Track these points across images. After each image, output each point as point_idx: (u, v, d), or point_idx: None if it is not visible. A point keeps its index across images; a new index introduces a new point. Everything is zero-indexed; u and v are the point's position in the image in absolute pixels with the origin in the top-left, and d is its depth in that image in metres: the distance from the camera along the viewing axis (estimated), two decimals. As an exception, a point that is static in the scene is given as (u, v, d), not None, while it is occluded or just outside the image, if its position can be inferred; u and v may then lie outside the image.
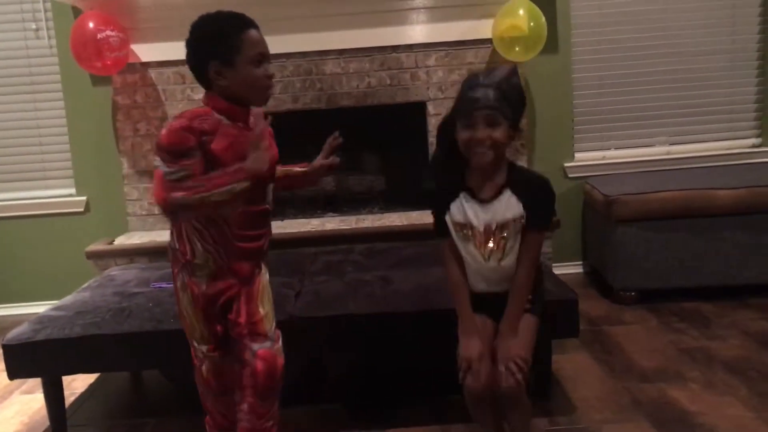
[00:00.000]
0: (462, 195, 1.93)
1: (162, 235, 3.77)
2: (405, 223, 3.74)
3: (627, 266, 3.52)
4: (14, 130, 4.07)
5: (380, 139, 4.14)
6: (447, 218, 1.96)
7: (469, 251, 1.95)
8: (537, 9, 3.60)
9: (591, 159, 4.09)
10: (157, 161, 1.78)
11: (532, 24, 3.58)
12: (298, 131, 4.05)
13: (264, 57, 1.87)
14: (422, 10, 3.82)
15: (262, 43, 1.86)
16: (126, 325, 2.47)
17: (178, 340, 2.41)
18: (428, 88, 3.90)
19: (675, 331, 3.18)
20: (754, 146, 4.10)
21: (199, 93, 3.90)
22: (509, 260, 1.93)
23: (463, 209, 1.92)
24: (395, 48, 3.86)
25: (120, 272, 3.10)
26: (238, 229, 1.93)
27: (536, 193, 1.92)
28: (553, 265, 3.39)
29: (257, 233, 1.99)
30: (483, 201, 1.91)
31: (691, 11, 4.01)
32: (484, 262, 1.93)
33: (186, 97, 3.86)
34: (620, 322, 3.32)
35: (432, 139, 3.91)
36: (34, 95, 4.04)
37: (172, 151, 1.76)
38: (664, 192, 3.49)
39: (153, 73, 3.84)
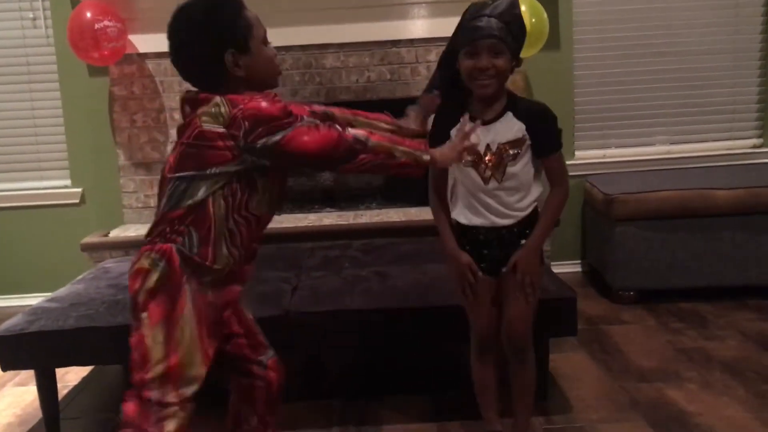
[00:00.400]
0: (462, 119, 1.91)
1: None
2: (403, 219, 3.71)
3: (626, 266, 3.50)
4: (10, 120, 4.03)
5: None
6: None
7: (468, 177, 1.94)
8: (539, 5, 3.58)
9: (591, 157, 4.07)
10: (278, 135, 1.57)
11: (533, 20, 3.55)
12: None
13: (266, 35, 1.74)
14: (423, 4, 3.79)
15: (260, 21, 1.73)
16: (120, 317, 2.44)
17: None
18: (428, 84, 3.87)
19: (673, 332, 3.17)
20: (755, 147, 4.08)
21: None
22: (510, 183, 1.92)
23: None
24: (395, 43, 3.83)
25: (115, 264, 3.08)
26: (262, 229, 1.78)
27: (538, 117, 1.93)
28: (552, 263, 3.36)
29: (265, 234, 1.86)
30: (484, 123, 1.90)
31: (693, 10, 3.99)
32: (484, 186, 1.92)
33: (184, 89, 3.80)
34: (618, 321, 3.31)
35: (431, 135, 3.89)
36: (31, 85, 4.00)
37: (288, 113, 1.60)
38: (664, 191, 3.47)
39: (150, 64, 3.81)
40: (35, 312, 2.52)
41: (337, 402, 2.63)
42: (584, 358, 2.92)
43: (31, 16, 3.94)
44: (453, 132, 1.92)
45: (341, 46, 3.82)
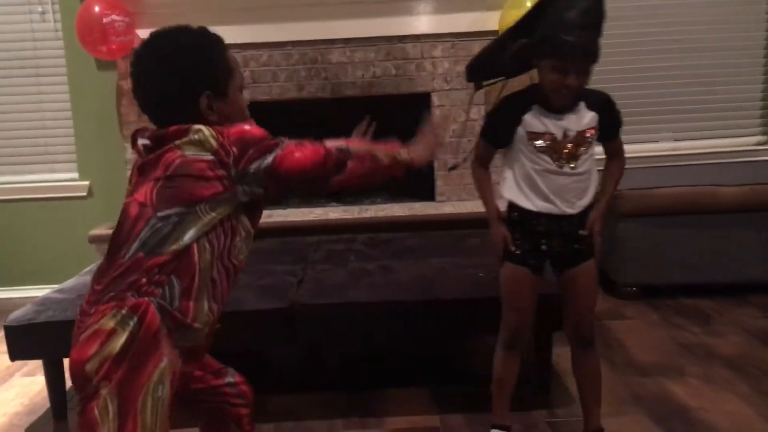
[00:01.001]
0: (535, 107, 1.95)
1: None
2: (408, 213, 3.73)
3: (629, 261, 3.52)
4: (18, 113, 4.07)
5: (384, 130, 4.11)
6: (520, 129, 1.97)
7: (540, 161, 1.96)
8: (544, 1, 3.58)
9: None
10: (268, 157, 1.44)
11: (539, 16, 3.56)
12: (301, 120, 4.05)
13: (243, 82, 1.61)
14: (429, 0, 3.80)
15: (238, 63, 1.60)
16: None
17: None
18: (433, 79, 3.88)
19: (675, 327, 3.18)
20: (759, 143, 4.09)
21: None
22: (581, 168, 1.97)
23: (540, 119, 1.95)
24: (401, 38, 3.85)
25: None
26: (235, 283, 1.58)
27: (608, 105, 2.03)
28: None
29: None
30: (559, 112, 1.95)
31: (699, 6, 3.99)
32: (558, 169, 1.96)
33: (191, 84, 3.84)
34: (621, 316, 3.32)
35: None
36: (39, 78, 4.03)
37: (270, 135, 1.49)
38: (668, 188, 3.48)
39: (158, 59, 3.82)
40: (43, 303, 2.54)
41: (340, 394, 2.66)
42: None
43: (40, 10, 3.97)
44: (527, 117, 1.95)
45: (347, 41, 3.83)
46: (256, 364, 2.98)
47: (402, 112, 4.03)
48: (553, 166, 1.96)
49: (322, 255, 2.97)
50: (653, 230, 3.47)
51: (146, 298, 1.40)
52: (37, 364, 2.86)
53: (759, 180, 3.47)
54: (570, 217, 1.99)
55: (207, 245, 1.45)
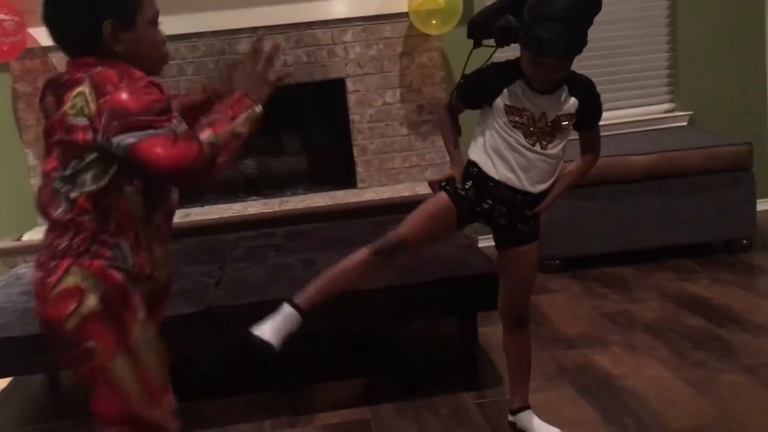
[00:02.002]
0: (518, 82, 1.92)
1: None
2: (329, 203, 3.68)
3: (549, 235, 3.54)
4: None
5: (300, 119, 4.05)
6: (499, 99, 1.94)
7: (514, 137, 1.94)
8: (452, -19, 3.57)
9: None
10: (133, 136, 1.37)
11: (447, -4, 3.55)
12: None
13: (157, 17, 1.56)
14: (336, -16, 3.74)
15: (156, 2, 1.56)
16: (34, 325, 2.31)
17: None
18: (346, 65, 3.82)
19: (597, 297, 3.25)
20: (667, 111, 4.20)
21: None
22: (553, 150, 1.96)
23: (520, 95, 1.92)
24: (311, 24, 3.77)
25: (29, 270, 2.93)
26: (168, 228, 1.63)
27: (590, 92, 2.02)
28: (480, 238, 3.39)
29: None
30: (541, 92, 1.92)
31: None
32: (529, 146, 1.94)
33: (92, 82, 3.67)
34: (545, 290, 3.37)
35: (353, 116, 3.86)
36: (-74, 86, 3.77)
37: (152, 111, 1.39)
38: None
39: (55, 58, 3.63)
40: (-59, 326, 2.39)
41: (268, 395, 2.60)
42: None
43: None
44: (508, 90, 1.92)
45: (255, 30, 3.72)
46: (179, 370, 2.90)
47: (317, 100, 4.00)
48: (524, 141, 1.94)
49: (241, 252, 2.89)
50: (570, 203, 3.50)
51: (100, 261, 1.46)
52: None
53: (668, 147, 3.57)
54: (526, 194, 1.98)
55: (136, 193, 1.48)
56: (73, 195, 1.45)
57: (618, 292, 3.28)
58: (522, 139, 1.94)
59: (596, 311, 3.09)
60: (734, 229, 3.59)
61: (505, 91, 1.94)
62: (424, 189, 3.76)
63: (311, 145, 4.14)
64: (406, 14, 3.73)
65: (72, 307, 1.44)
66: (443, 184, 2.04)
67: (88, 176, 1.45)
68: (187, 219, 3.57)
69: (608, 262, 3.57)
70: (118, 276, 1.48)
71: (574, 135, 2.06)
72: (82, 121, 1.41)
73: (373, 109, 3.87)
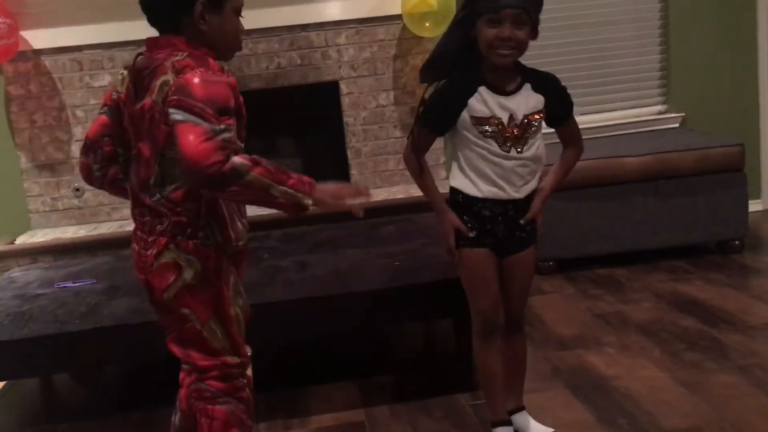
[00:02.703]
0: (482, 89, 1.88)
1: (67, 231, 3.60)
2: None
3: (542, 236, 3.55)
4: None
5: (294, 121, 4.05)
6: (464, 113, 1.89)
7: (486, 147, 1.89)
8: (445, -17, 3.58)
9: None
10: (182, 114, 1.44)
11: (440, -2, 3.55)
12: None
13: (241, 9, 1.67)
14: (329, -14, 3.74)
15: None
16: (27, 329, 2.34)
17: (83, 342, 2.31)
18: (340, 67, 3.83)
19: (591, 298, 3.26)
20: (659, 113, 4.22)
21: (99, 81, 3.74)
22: (529, 152, 1.91)
23: (486, 102, 1.88)
24: (304, 27, 3.77)
25: (22, 273, 2.94)
26: None
27: (553, 86, 1.98)
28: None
29: None
30: (506, 93, 1.89)
31: (594, -19, 4.07)
32: (504, 153, 1.89)
33: (85, 85, 3.66)
34: (539, 292, 3.37)
35: (347, 119, 3.86)
36: None
37: (212, 105, 1.45)
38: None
39: (47, 61, 3.62)
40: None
41: (262, 396, 2.57)
42: (507, 331, 2.97)
43: None
44: (472, 102, 1.87)
45: (248, 32, 3.66)
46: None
47: (310, 103, 4.00)
48: (499, 150, 1.89)
49: (235, 255, 2.88)
50: (564, 204, 3.52)
51: (194, 241, 1.60)
52: (-65, 395, 2.70)
53: (660, 149, 3.58)
54: (515, 201, 1.94)
55: None
56: (165, 191, 1.60)
57: (611, 293, 3.29)
58: (496, 148, 1.89)
59: (590, 312, 3.09)
60: (726, 230, 3.60)
61: (469, 102, 1.88)
62: (417, 191, 3.76)
63: (305, 147, 4.14)
64: (399, 16, 3.74)
65: (171, 279, 1.62)
66: (456, 243, 1.99)
67: (177, 171, 1.55)
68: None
69: (602, 264, 3.59)
70: (211, 251, 1.62)
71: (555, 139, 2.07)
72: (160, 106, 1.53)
73: (367, 111, 3.88)
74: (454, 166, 1.99)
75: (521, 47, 1.85)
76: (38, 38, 3.58)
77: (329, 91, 3.86)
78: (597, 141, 3.93)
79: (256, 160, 1.47)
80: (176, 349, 1.71)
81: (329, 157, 4.00)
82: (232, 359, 1.70)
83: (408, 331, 3.10)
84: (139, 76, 1.59)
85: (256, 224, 3.41)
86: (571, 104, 2.02)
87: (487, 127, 1.88)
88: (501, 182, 1.91)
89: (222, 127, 1.44)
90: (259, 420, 2.43)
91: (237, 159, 1.43)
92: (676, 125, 4.17)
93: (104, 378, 2.97)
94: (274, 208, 1.54)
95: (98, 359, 2.47)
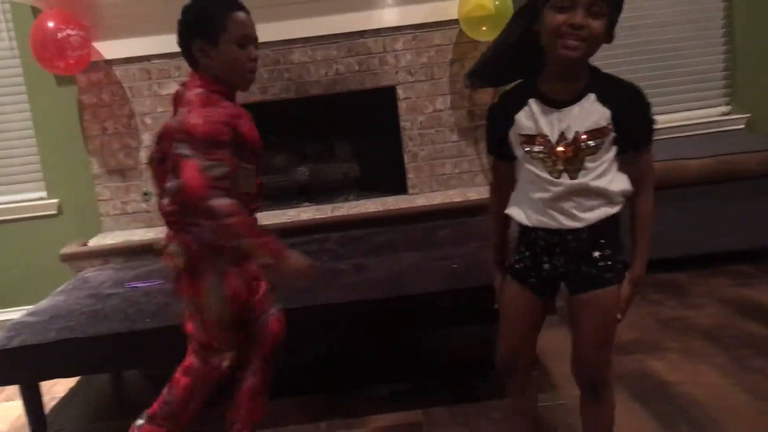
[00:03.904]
0: (531, 102, 1.59)
1: (135, 234, 3.74)
2: (381, 209, 3.72)
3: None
4: (-20, 135, 4.00)
5: (351, 126, 4.11)
6: (511, 133, 1.63)
7: (534, 171, 1.60)
8: (503, -15, 3.58)
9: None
10: (184, 149, 1.71)
11: (497, 2, 3.56)
12: (268, 122, 4.02)
13: (249, 39, 1.85)
14: (387, -7, 3.79)
15: (249, 26, 1.86)
16: (101, 327, 2.44)
17: (153, 339, 2.41)
18: (397, 72, 3.87)
19: (653, 303, 3.20)
20: (723, 114, 4.12)
21: (166, 89, 3.88)
22: (585, 178, 1.56)
23: (534, 117, 1.59)
24: (362, 33, 3.83)
25: (95, 274, 3.07)
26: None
27: (630, 101, 1.58)
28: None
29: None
30: (559, 105, 1.57)
31: (655, -18, 4.01)
32: (554, 180, 1.57)
33: (153, 93, 3.81)
34: (599, 296, 3.33)
35: (404, 123, 3.90)
36: (-2, 99, 3.97)
37: (207, 142, 1.72)
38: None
39: (118, 71, 3.78)
40: (15, 327, 2.51)
41: (320, 396, 2.65)
42: (567, 334, 2.93)
43: (-6, 29, 3.91)
44: (519, 117, 1.61)
45: (307, 40, 3.81)
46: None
47: (368, 108, 4.05)
48: (547, 175, 1.58)
49: (296, 257, 2.95)
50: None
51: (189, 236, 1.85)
52: (17, 388, 2.84)
53: (724, 151, 3.50)
54: (576, 231, 1.60)
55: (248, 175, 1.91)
56: (171, 191, 1.84)
57: (673, 297, 3.23)
58: (543, 172, 1.58)
59: (652, 317, 3.05)
60: (794, 233, 3.50)
61: (516, 118, 1.61)
62: (474, 194, 3.80)
63: (363, 151, 4.20)
64: (456, 21, 3.76)
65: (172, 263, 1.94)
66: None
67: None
68: (243, 225, 3.66)
69: (663, 268, 3.51)
70: (197, 246, 1.87)
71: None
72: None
73: (424, 115, 3.91)
74: (515, 190, 1.72)
75: (593, 42, 1.53)
76: (109, 49, 3.74)
77: (386, 96, 3.91)
78: (659, 143, 3.85)
79: (238, 207, 1.72)
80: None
81: (386, 161, 4.05)
82: (208, 341, 1.94)
83: (465, 333, 3.11)
84: (175, 104, 1.88)
85: (316, 227, 3.51)
86: (650, 130, 1.62)
87: (534, 147, 1.59)
88: (550, 211, 1.60)
89: (213, 163, 1.71)
90: (319, 419, 2.49)
91: (219, 202, 1.70)
92: (742, 126, 4.07)
93: (171, 375, 3.07)
94: (202, 239, 1.83)
95: (166, 356, 2.55)
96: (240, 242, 1.76)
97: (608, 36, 1.56)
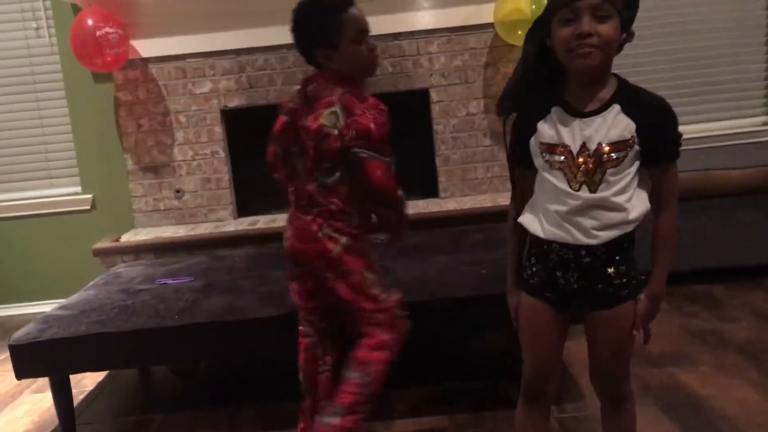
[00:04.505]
0: (554, 110, 1.55)
1: (167, 231, 3.78)
2: (411, 212, 3.68)
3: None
4: (18, 130, 4.08)
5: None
6: (532, 141, 1.59)
7: (553, 181, 1.55)
8: (539, -11, 3.55)
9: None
10: (367, 154, 1.91)
11: (533, 7, 3.53)
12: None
13: (363, 33, 1.97)
14: (423, -4, 3.78)
15: (360, 20, 1.97)
16: (130, 322, 2.46)
17: (182, 335, 2.42)
18: (431, 75, 3.86)
19: (686, 315, 3.14)
20: (764, 124, 4.03)
21: (201, 88, 3.91)
22: (606, 192, 1.51)
23: (555, 126, 1.55)
24: (397, 35, 3.82)
25: (126, 269, 3.11)
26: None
27: (656, 114, 1.53)
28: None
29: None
30: (583, 115, 1.53)
31: (697, -12, 3.94)
32: (573, 193, 1.52)
33: (187, 92, 3.84)
34: (630, 306, 3.28)
35: (437, 126, 3.88)
36: (37, 94, 4.04)
37: (381, 142, 1.92)
38: (672, 173, 3.43)
39: (154, 69, 3.83)
40: (47, 320, 2.54)
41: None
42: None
43: (34, 25, 3.98)
44: (541, 125, 1.57)
45: (342, 41, 3.80)
46: (262, 370, 2.99)
47: (401, 110, 4.04)
48: (566, 187, 1.53)
49: (324, 258, 2.95)
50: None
51: (341, 223, 2.02)
52: (46, 380, 2.87)
53: (763, 161, 3.42)
54: (591, 248, 1.55)
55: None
56: (328, 183, 2.00)
57: (708, 310, 3.16)
58: (562, 184, 1.53)
59: (684, 329, 2.98)
60: (835, 247, 3.40)
61: (538, 126, 1.57)
62: (505, 200, 3.73)
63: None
64: (491, 25, 3.73)
65: (332, 245, 2.01)
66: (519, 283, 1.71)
67: (336, 172, 1.98)
68: (273, 225, 3.68)
69: (698, 279, 3.45)
70: (354, 230, 2.04)
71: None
72: (334, 132, 1.92)
73: (457, 119, 3.89)
74: (531, 198, 1.67)
75: (606, 45, 1.47)
76: (146, 47, 3.79)
77: (419, 99, 3.90)
78: (696, 152, 3.79)
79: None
80: (347, 295, 2.05)
81: (418, 164, 4.03)
82: (386, 301, 2.07)
83: (492, 339, 3.08)
84: (308, 101, 2.00)
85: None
86: (675, 145, 1.57)
87: (555, 156, 1.54)
88: (566, 225, 1.55)
89: (388, 160, 1.95)
90: (343, 420, 2.48)
91: (400, 192, 2.02)
92: (782, 137, 3.98)
93: (198, 372, 3.09)
94: (388, 223, 2.12)
95: (194, 353, 2.58)
96: (401, 217, 2.10)
97: (627, 34, 1.53)
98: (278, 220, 3.77)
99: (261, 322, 2.42)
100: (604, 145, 1.50)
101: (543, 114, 1.57)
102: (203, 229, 3.77)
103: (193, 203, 3.94)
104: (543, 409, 1.74)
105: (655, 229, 1.63)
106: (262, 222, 3.80)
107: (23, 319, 3.52)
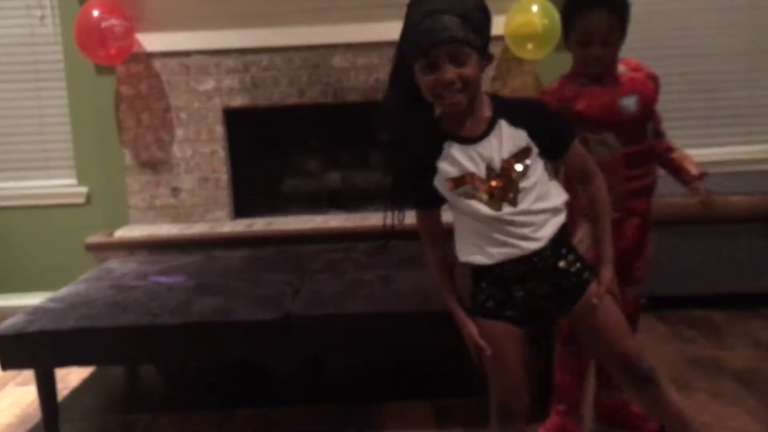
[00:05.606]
0: (446, 145, 1.58)
1: (161, 229, 3.73)
2: (411, 221, 3.65)
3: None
4: (17, 118, 4.02)
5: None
6: (436, 182, 1.61)
7: (473, 210, 1.58)
8: (551, 5, 3.52)
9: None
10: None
11: (545, 21, 3.50)
12: (304, 125, 4.00)
13: (590, 37, 2.09)
14: (432, 4, 3.74)
15: (591, 24, 2.07)
16: (120, 318, 2.42)
17: (172, 335, 2.38)
18: (437, 85, 3.82)
19: (684, 340, 3.10)
20: (772, 151, 4.00)
21: (204, 85, 3.86)
22: (527, 202, 1.57)
23: (455, 159, 1.58)
24: (403, 44, 3.78)
25: (118, 265, 3.06)
26: None
27: (533, 113, 1.62)
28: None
29: None
30: (475, 141, 1.57)
31: (708, 12, 3.91)
32: (496, 214, 1.56)
33: (190, 89, 3.80)
34: (628, 328, 3.24)
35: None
36: (38, 83, 3.99)
37: None
38: (677, 197, 3.39)
39: (157, 64, 3.79)
40: (35, 312, 2.50)
41: (338, 407, 2.60)
42: (591, 367, 2.85)
43: (39, 14, 3.93)
44: (441, 165, 1.59)
45: (349, 46, 3.78)
46: (252, 374, 2.94)
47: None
48: (488, 211, 1.56)
49: (321, 264, 2.91)
50: (663, 240, 3.36)
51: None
52: (31, 373, 2.82)
53: (770, 189, 3.40)
54: (539, 251, 1.60)
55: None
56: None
57: (707, 336, 3.12)
58: (484, 209, 1.57)
59: (682, 355, 2.94)
60: (839, 278, 3.36)
61: (439, 166, 1.59)
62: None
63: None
64: (501, 37, 3.70)
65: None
66: (470, 309, 1.71)
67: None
68: (270, 228, 3.64)
69: (698, 305, 3.41)
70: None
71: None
72: None
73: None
74: (456, 236, 1.70)
75: (471, 84, 1.52)
76: (150, 41, 3.74)
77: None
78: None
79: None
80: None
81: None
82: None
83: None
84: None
85: (342, 235, 3.47)
86: (567, 128, 1.67)
87: (466, 187, 1.57)
88: (510, 239, 1.58)
89: None
90: (332, 429, 2.45)
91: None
92: (789, 165, 3.94)
93: (186, 373, 3.04)
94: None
95: (184, 354, 2.53)
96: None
97: (485, 62, 1.57)
98: (275, 224, 3.73)
99: (254, 325, 2.37)
100: (506, 159, 1.57)
101: (436, 153, 1.60)
102: (199, 229, 3.72)
103: (189, 202, 3.88)
104: (518, 427, 1.72)
105: (593, 200, 1.70)
106: (259, 224, 3.75)
107: (10, 311, 3.45)
